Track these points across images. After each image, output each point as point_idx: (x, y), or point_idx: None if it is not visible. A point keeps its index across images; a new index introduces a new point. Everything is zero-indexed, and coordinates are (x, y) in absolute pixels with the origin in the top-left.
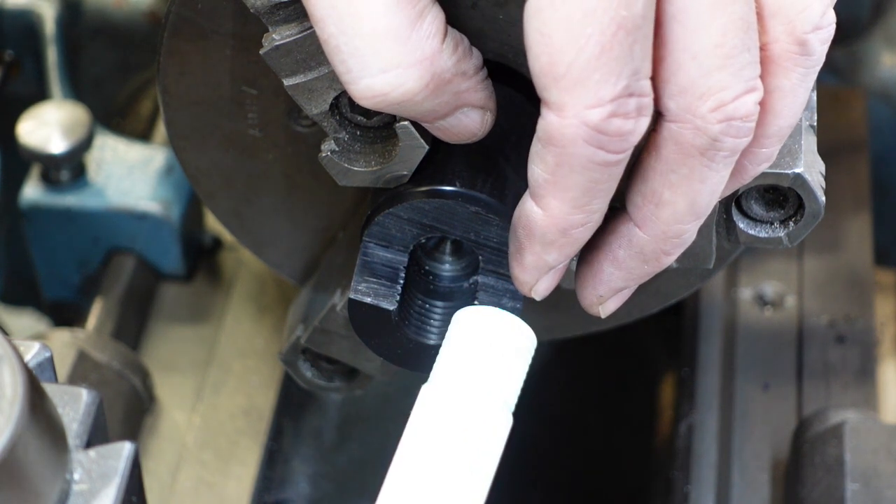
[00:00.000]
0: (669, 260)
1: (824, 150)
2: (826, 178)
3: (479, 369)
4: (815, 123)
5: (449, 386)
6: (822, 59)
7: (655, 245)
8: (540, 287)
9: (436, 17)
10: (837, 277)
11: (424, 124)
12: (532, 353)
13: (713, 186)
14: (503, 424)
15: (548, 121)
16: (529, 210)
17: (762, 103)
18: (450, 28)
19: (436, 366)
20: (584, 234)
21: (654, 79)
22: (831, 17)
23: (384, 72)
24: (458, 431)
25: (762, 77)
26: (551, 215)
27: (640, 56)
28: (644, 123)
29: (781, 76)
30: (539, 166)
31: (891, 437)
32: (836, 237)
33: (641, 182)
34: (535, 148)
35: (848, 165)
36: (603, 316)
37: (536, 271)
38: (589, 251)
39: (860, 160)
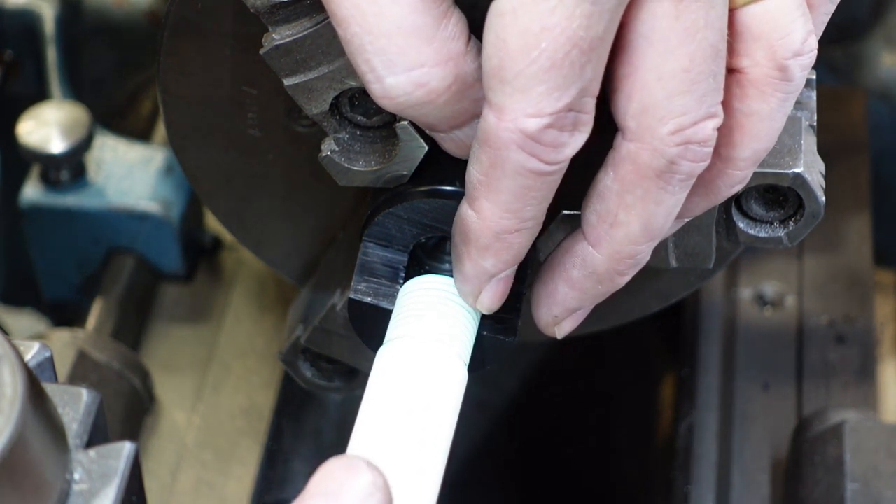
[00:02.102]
0: (624, 280)
1: (824, 150)
2: (826, 177)
3: (431, 326)
4: (815, 123)
5: (402, 343)
6: (802, 84)
7: (609, 265)
8: (484, 298)
9: (459, 18)
10: (837, 277)
11: (437, 135)
12: (478, 314)
13: (668, 209)
14: (459, 374)
15: (487, 121)
16: (464, 213)
17: (740, 126)
18: (472, 35)
19: (388, 329)
20: (521, 241)
21: (617, 96)
22: (812, 44)
23: (409, 70)
24: (415, 384)
25: (741, 100)
26: (484, 218)
27: (591, 76)
28: (580, 139)
29: (760, 100)
30: (475, 167)
31: (891, 437)
32: (836, 237)
33: (597, 201)
34: (473, 148)
35: (848, 165)
36: (559, 337)
37: (477, 280)
38: (544, 271)
39: (860, 160)
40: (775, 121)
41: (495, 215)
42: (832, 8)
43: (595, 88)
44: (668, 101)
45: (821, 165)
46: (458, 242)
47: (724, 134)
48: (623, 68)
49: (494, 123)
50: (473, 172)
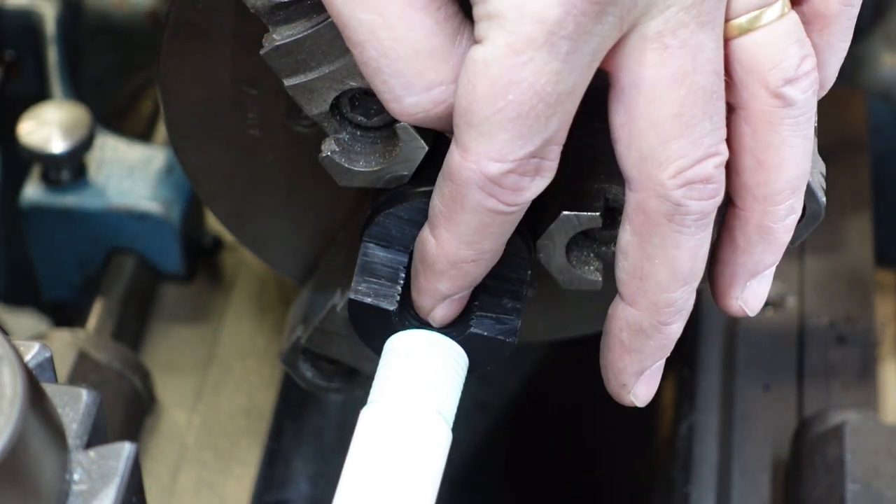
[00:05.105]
0: (673, 329)
1: (824, 150)
2: (826, 178)
3: (415, 387)
4: (816, 124)
5: (386, 405)
6: (811, 105)
7: (650, 319)
8: (437, 314)
9: (473, 31)
10: (838, 278)
11: None
12: (465, 367)
13: (691, 251)
14: (442, 437)
15: (452, 156)
16: (425, 237)
17: (761, 163)
18: None
19: (372, 389)
20: (477, 270)
21: (619, 146)
22: (807, 67)
23: (428, 90)
24: (397, 449)
25: (753, 137)
26: (442, 247)
27: (556, 127)
28: (541, 184)
29: (770, 132)
30: (437, 197)
31: (891, 438)
32: (837, 237)
33: (622, 258)
34: (439, 179)
35: (848, 165)
36: (640, 405)
37: (431, 298)
38: (603, 343)
39: (860, 160)
40: (794, 146)
41: (453, 246)
42: (855, 12)
43: (561, 138)
44: (665, 147)
45: (821, 166)
46: (417, 261)
47: (752, 175)
48: (619, 117)
49: (458, 161)
50: (436, 201)
